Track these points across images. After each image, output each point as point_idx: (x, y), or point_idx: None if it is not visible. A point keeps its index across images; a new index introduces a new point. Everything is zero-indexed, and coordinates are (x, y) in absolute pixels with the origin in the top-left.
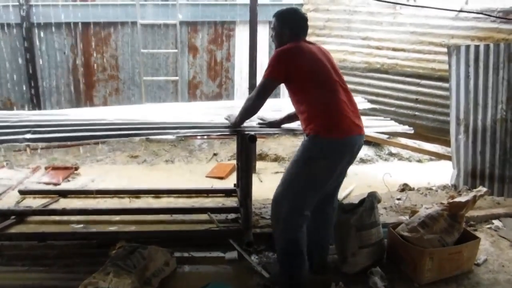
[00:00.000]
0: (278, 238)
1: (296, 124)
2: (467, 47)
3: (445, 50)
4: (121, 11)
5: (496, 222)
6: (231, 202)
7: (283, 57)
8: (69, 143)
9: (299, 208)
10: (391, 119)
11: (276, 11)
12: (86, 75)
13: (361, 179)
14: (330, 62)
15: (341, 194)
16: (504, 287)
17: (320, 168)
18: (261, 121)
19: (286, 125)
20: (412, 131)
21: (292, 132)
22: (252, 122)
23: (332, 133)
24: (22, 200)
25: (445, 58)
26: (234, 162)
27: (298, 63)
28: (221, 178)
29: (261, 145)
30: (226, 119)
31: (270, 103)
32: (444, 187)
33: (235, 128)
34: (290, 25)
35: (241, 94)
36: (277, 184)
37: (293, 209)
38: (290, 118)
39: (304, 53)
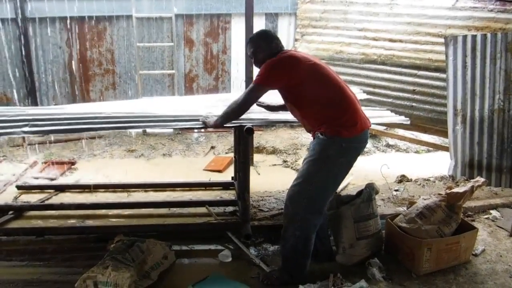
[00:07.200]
0: (290, 236)
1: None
2: (464, 37)
3: (442, 40)
4: (116, 5)
5: (493, 213)
6: (229, 195)
7: (282, 66)
8: (65, 137)
9: (318, 206)
10: (388, 110)
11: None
12: (82, 70)
13: (358, 170)
14: (323, 62)
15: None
16: (501, 277)
17: (339, 166)
18: (259, 104)
19: (284, 117)
20: (409, 122)
21: (289, 124)
22: (250, 114)
23: (350, 132)
24: (20, 195)
25: (442, 48)
26: (232, 155)
27: (300, 67)
28: (218, 171)
29: (259, 138)
30: (203, 120)
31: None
32: (442, 178)
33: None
34: (275, 40)
35: (238, 87)
36: (292, 183)
37: (312, 208)
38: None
39: (300, 58)
